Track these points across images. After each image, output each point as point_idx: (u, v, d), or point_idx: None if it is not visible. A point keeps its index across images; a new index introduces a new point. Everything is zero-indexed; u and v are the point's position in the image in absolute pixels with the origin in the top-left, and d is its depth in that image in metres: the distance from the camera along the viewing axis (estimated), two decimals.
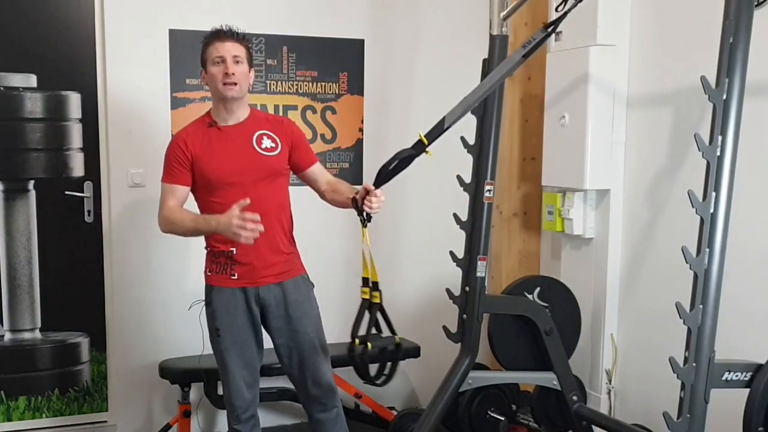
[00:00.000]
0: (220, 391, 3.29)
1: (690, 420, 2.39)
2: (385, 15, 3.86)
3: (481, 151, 3.14)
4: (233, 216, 2.38)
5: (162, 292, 3.59)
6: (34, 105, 3.43)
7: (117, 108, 3.46)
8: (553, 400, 3.26)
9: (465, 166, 3.18)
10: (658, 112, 3.27)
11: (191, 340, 3.27)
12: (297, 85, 3.74)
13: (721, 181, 2.36)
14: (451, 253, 3.20)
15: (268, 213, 2.64)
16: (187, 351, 3.43)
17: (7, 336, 3.52)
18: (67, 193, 3.51)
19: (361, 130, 3.88)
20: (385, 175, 2.49)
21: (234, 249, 2.62)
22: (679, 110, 3.16)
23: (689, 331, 2.39)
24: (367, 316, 2.56)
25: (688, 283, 2.42)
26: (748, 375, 2.47)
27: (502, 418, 3.35)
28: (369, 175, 3.87)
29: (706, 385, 2.39)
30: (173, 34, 3.49)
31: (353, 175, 3.86)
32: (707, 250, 2.37)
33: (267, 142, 2.68)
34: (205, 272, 2.72)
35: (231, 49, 2.60)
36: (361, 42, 3.83)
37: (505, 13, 3.14)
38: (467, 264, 3.15)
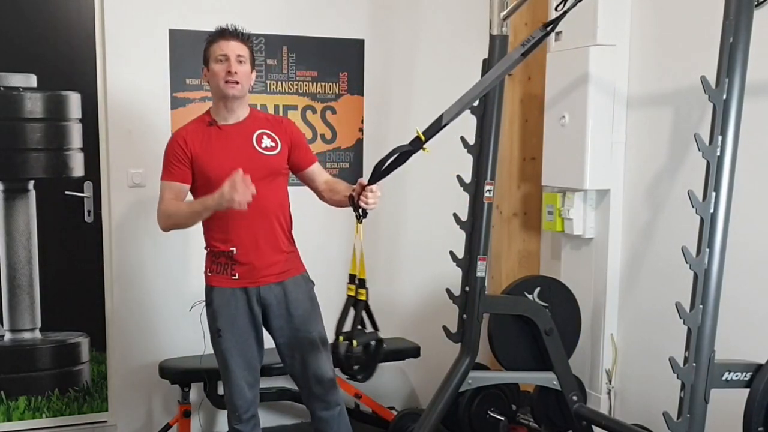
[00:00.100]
0: (221, 391, 3.30)
1: (690, 420, 2.39)
2: (385, 15, 3.86)
3: (481, 151, 3.14)
4: (225, 183, 2.37)
5: (162, 292, 3.59)
6: (34, 105, 3.43)
7: (117, 108, 3.46)
8: (553, 400, 3.26)
9: (465, 166, 3.18)
10: (658, 112, 3.27)
11: (191, 340, 3.27)
12: (297, 85, 3.74)
13: (721, 181, 2.36)
14: (451, 253, 3.20)
15: (267, 212, 2.65)
16: (187, 351, 3.44)
17: (7, 336, 3.52)
18: (67, 193, 3.51)
19: (361, 130, 3.88)
20: (381, 172, 2.49)
21: (234, 249, 2.62)
22: (679, 110, 3.16)
23: (689, 331, 2.39)
24: (352, 313, 2.54)
25: (688, 283, 2.42)
26: (748, 375, 2.47)
27: (502, 418, 3.36)
28: (369, 175, 3.87)
29: (706, 385, 2.39)
30: (173, 34, 3.49)
31: (353, 175, 3.85)
32: (707, 250, 2.37)
33: (267, 142, 2.68)
34: (206, 272, 2.72)
35: (235, 49, 2.60)
36: (361, 42, 3.83)
37: (505, 13, 3.14)
38: (467, 264, 3.15)
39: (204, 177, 2.61)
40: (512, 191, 4.10)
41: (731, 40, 2.36)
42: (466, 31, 3.90)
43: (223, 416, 3.57)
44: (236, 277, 2.65)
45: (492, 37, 3.17)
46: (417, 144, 2.51)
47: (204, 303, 2.73)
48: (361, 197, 2.47)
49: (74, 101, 3.48)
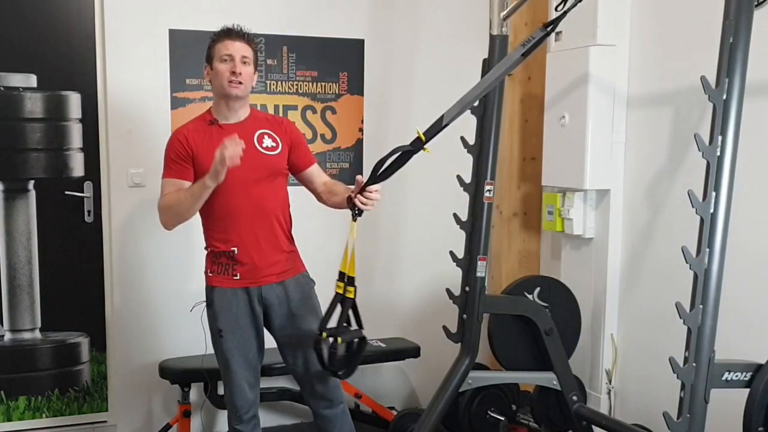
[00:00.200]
0: (221, 391, 3.30)
1: (690, 420, 2.39)
2: (385, 15, 3.86)
3: (481, 151, 3.14)
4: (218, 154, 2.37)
5: (162, 292, 3.59)
6: (34, 105, 3.43)
7: (117, 108, 3.46)
8: (553, 400, 3.26)
9: (465, 166, 3.18)
10: (658, 112, 3.27)
11: (191, 340, 3.27)
12: (297, 85, 3.74)
13: (721, 181, 2.36)
14: (451, 253, 3.20)
15: (268, 212, 2.65)
16: (187, 351, 3.44)
17: (7, 336, 3.52)
18: (67, 193, 3.51)
19: (361, 130, 3.88)
20: (381, 174, 2.49)
21: (235, 249, 2.62)
22: (679, 110, 3.16)
23: (689, 331, 2.39)
24: (338, 310, 2.53)
25: (688, 283, 2.42)
26: (748, 375, 2.47)
27: (502, 418, 3.36)
28: (368, 174, 3.87)
29: (706, 385, 2.39)
30: (173, 34, 3.49)
31: (353, 175, 3.83)
32: (707, 250, 2.37)
33: (268, 142, 2.68)
34: (206, 273, 2.71)
35: (240, 49, 2.60)
36: (361, 42, 3.83)
37: (505, 13, 3.14)
38: (467, 264, 3.15)
39: (205, 176, 2.60)
40: (512, 191, 4.10)
41: (731, 40, 2.36)
42: (466, 31, 3.90)
43: (223, 416, 3.57)
44: (237, 278, 2.65)
45: (492, 37, 3.17)
46: (418, 144, 2.51)
47: (204, 303, 2.73)
48: (358, 196, 2.46)
49: (74, 101, 3.48)
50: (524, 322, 3.19)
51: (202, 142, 2.62)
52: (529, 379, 3.30)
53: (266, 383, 3.12)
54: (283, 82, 3.70)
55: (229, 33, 2.63)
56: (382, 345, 3.71)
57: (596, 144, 3.37)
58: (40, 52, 3.41)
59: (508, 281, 3.77)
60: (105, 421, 3.66)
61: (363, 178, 2.50)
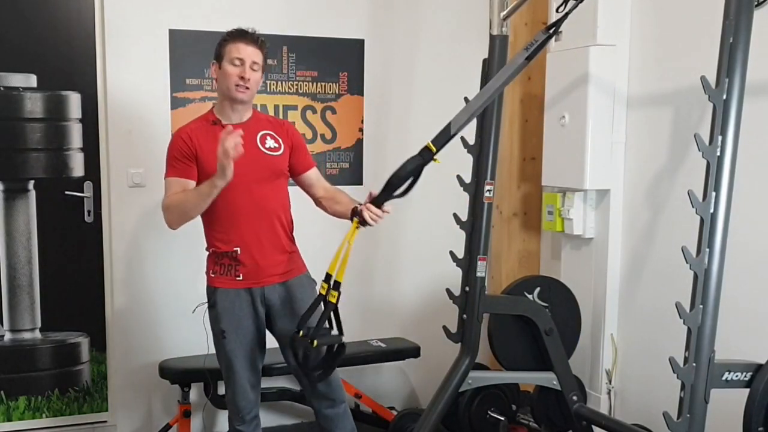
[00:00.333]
0: (221, 392, 3.29)
1: (690, 420, 2.39)
2: (385, 15, 3.86)
3: (481, 151, 3.14)
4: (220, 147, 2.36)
5: (162, 292, 3.59)
6: (34, 105, 3.43)
7: (117, 108, 3.46)
8: (553, 400, 3.26)
9: (465, 166, 3.18)
10: (658, 112, 3.27)
11: (191, 340, 3.26)
12: (297, 85, 3.74)
13: (721, 181, 2.36)
14: (451, 253, 3.20)
15: (270, 212, 2.65)
16: (187, 351, 3.44)
17: (7, 336, 3.52)
18: (67, 193, 3.51)
19: (361, 130, 3.88)
20: (398, 194, 2.48)
21: (238, 249, 2.62)
22: (679, 110, 3.16)
23: (689, 331, 2.39)
24: (319, 313, 2.52)
25: (688, 283, 2.42)
26: (748, 375, 2.47)
27: (502, 418, 3.36)
28: (369, 175, 3.88)
29: (706, 385, 2.39)
30: (173, 34, 3.49)
31: (353, 175, 3.86)
32: (707, 250, 2.37)
33: (270, 142, 2.69)
34: (208, 273, 2.71)
35: (252, 55, 2.59)
36: (361, 42, 3.83)
37: (505, 13, 3.14)
38: (467, 264, 3.15)
39: (208, 176, 2.57)
40: (512, 191, 4.10)
41: (731, 40, 2.36)
42: (466, 31, 3.90)
43: (222, 416, 3.58)
44: (240, 278, 2.65)
45: (492, 37, 3.17)
46: (427, 155, 2.51)
47: (206, 304, 2.73)
48: (368, 212, 2.46)
49: (74, 101, 3.48)
50: (524, 322, 3.19)
51: (205, 141, 2.61)
52: (529, 379, 3.30)
53: (266, 383, 3.12)
54: (283, 82, 3.70)
55: (244, 36, 2.61)
56: (382, 345, 3.71)
57: (596, 144, 3.37)
58: (40, 52, 3.41)
59: (508, 281, 3.77)
60: (105, 421, 3.66)
61: (375, 192, 2.50)
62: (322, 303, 2.49)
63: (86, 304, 3.59)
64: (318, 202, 2.82)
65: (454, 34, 3.97)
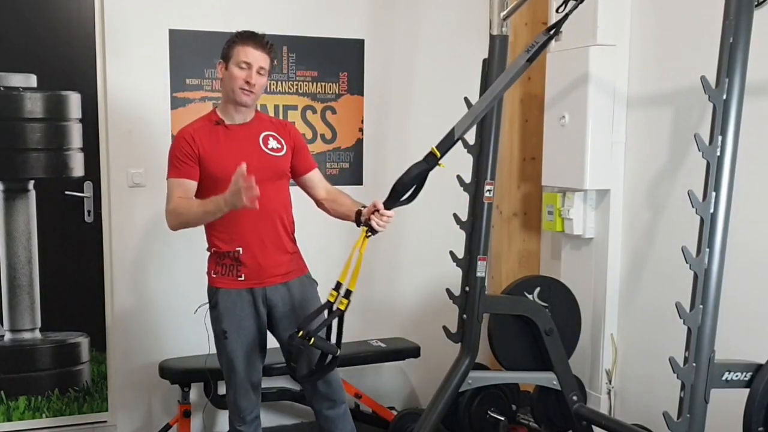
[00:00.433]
0: (221, 391, 3.29)
1: (690, 420, 2.39)
2: (385, 15, 3.86)
3: (481, 151, 3.14)
4: (234, 185, 2.33)
5: (162, 292, 3.59)
6: (34, 105, 3.42)
7: (117, 108, 3.46)
8: (553, 400, 3.26)
9: (465, 166, 3.18)
10: (658, 112, 3.27)
11: (191, 340, 3.27)
12: (297, 85, 3.74)
13: (721, 181, 2.36)
14: (451, 253, 3.20)
15: (272, 213, 2.65)
16: (187, 351, 3.44)
17: (7, 336, 3.52)
18: (67, 193, 3.51)
19: (361, 130, 3.88)
20: (404, 199, 2.50)
21: (240, 249, 2.62)
22: (679, 110, 3.16)
23: (689, 331, 2.39)
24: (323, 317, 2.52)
25: (688, 283, 2.42)
26: (748, 375, 2.47)
27: (502, 418, 3.36)
28: (369, 175, 3.88)
29: (706, 385, 2.39)
30: (173, 34, 3.49)
31: (353, 175, 3.86)
32: (707, 250, 2.37)
33: (273, 143, 2.69)
34: (209, 274, 2.70)
35: (259, 60, 2.59)
36: (361, 42, 3.83)
37: (505, 13, 3.14)
38: (467, 264, 3.15)
39: (211, 176, 2.59)
40: (512, 191, 4.10)
41: (731, 40, 2.36)
42: (466, 31, 3.90)
43: (222, 416, 3.58)
44: (242, 278, 2.64)
45: (492, 37, 3.17)
46: (432, 160, 2.51)
47: (207, 305, 2.73)
48: (375, 217, 2.47)
49: (74, 101, 3.48)
50: (524, 322, 3.19)
51: (208, 141, 2.61)
52: (529, 379, 3.30)
53: (266, 383, 3.12)
54: (283, 82, 3.70)
55: (253, 39, 2.60)
56: (382, 345, 3.71)
57: (596, 144, 3.37)
58: (40, 52, 3.41)
59: (508, 281, 3.77)
60: (105, 421, 3.66)
61: (379, 202, 2.50)
62: (328, 311, 2.48)
63: (86, 304, 3.59)
64: (320, 204, 2.82)
65: (454, 34, 3.97)
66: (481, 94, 3.16)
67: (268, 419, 3.63)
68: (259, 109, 2.82)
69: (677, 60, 3.16)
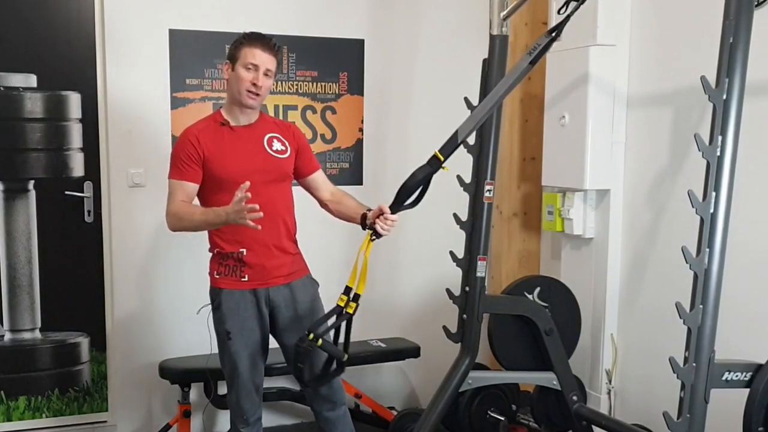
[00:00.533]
0: (221, 391, 3.29)
1: (690, 420, 2.39)
2: (385, 15, 3.86)
3: (481, 151, 3.14)
4: (237, 205, 2.33)
5: (162, 292, 3.59)
6: (34, 105, 3.42)
7: (117, 108, 3.46)
8: (553, 400, 3.26)
9: (465, 166, 3.18)
10: (658, 112, 3.27)
11: (191, 340, 3.27)
12: (297, 85, 3.74)
13: (721, 181, 2.36)
14: (451, 253, 3.20)
15: (276, 214, 2.64)
16: (187, 351, 3.44)
17: (7, 336, 3.52)
18: (67, 193, 3.51)
19: (361, 130, 3.88)
20: (409, 203, 2.51)
21: (244, 250, 2.61)
22: (679, 110, 3.16)
23: (689, 331, 2.39)
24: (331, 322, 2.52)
25: (688, 283, 2.42)
26: (748, 375, 2.47)
27: (502, 418, 3.36)
28: (369, 175, 3.88)
29: (706, 385, 2.39)
30: (173, 34, 3.49)
31: (353, 175, 3.86)
32: (707, 250, 2.37)
33: (277, 145, 2.69)
34: (212, 274, 2.70)
35: (267, 62, 2.59)
36: (361, 42, 3.83)
37: (505, 13, 3.14)
38: (467, 264, 3.15)
39: (215, 177, 2.59)
40: (512, 191, 4.10)
41: (731, 40, 2.36)
42: (466, 31, 3.90)
43: (222, 416, 3.58)
44: (245, 279, 2.64)
45: (492, 37, 3.17)
46: (436, 164, 2.52)
47: (210, 306, 2.72)
48: (379, 222, 2.48)
49: (74, 101, 3.48)
50: (524, 322, 3.18)
51: (213, 143, 2.60)
52: (529, 379, 3.30)
53: (266, 383, 3.10)
54: (283, 82, 3.70)
55: (261, 41, 2.59)
56: (382, 345, 3.71)
57: (596, 144, 3.37)
58: (40, 52, 3.41)
59: (508, 281, 3.77)
60: (105, 421, 3.66)
61: (385, 206, 2.51)
62: (337, 314, 2.48)
63: (86, 304, 3.59)
64: (324, 205, 2.82)
65: (454, 34, 3.97)
66: (481, 94, 3.16)
67: (268, 419, 3.63)
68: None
69: (677, 60, 3.16)
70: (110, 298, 3.58)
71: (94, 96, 3.49)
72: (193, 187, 2.61)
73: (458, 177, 3.18)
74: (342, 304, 2.47)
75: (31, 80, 3.41)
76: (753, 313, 2.83)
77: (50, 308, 3.55)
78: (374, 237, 2.51)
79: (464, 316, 3.15)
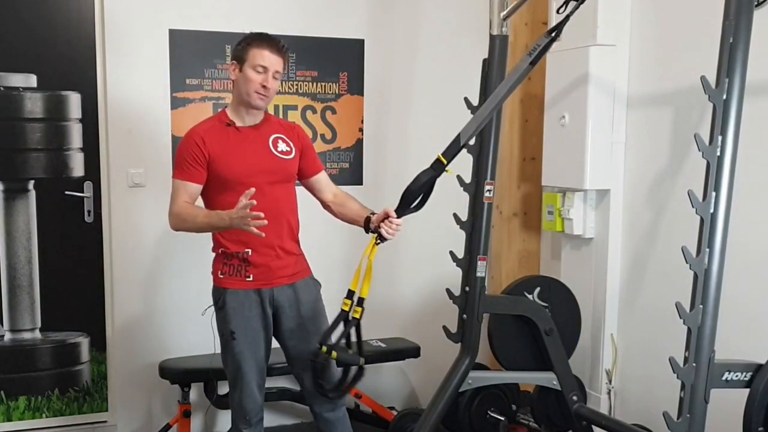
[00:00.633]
0: (221, 392, 3.30)
1: (690, 420, 2.39)
2: (385, 15, 3.86)
3: (481, 151, 3.14)
4: (241, 211, 2.33)
5: (162, 292, 3.59)
6: (34, 105, 3.42)
7: (117, 108, 3.46)
8: (553, 400, 3.26)
9: (465, 166, 3.18)
10: (658, 112, 3.27)
11: (191, 340, 3.27)
12: (297, 85, 3.74)
13: (721, 181, 2.36)
14: (451, 253, 3.20)
15: (281, 215, 2.64)
16: (187, 351, 3.44)
17: (7, 336, 3.52)
18: (67, 193, 3.51)
19: (361, 130, 3.88)
20: (414, 206, 2.52)
21: (249, 250, 2.61)
22: (679, 110, 3.16)
23: (689, 331, 2.39)
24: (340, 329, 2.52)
25: (688, 283, 2.42)
26: (748, 375, 2.47)
27: (502, 418, 3.36)
28: (369, 175, 3.88)
29: (706, 385, 2.39)
30: (173, 34, 3.49)
31: (353, 175, 3.86)
32: (707, 250, 2.37)
33: (282, 146, 2.69)
34: (216, 274, 2.69)
35: (276, 64, 2.58)
36: (361, 42, 3.83)
37: (505, 13, 3.14)
38: (467, 264, 3.15)
39: (220, 178, 2.59)
40: (512, 191, 4.10)
41: (731, 40, 2.36)
42: (466, 31, 3.90)
43: (222, 416, 3.58)
44: (250, 279, 2.63)
45: (492, 37, 3.17)
46: (439, 167, 2.53)
47: (213, 306, 2.72)
48: (384, 225, 2.48)
49: (74, 101, 3.48)
50: (524, 322, 3.18)
51: (218, 143, 2.60)
52: (529, 379, 3.30)
53: (266, 383, 3.12)
54: (283, 82, 3.70)
55: (269, 42, 2.59)
56: (382, 345, 3.71)
57: (596, 144, 3.37)
58: (40, 52, 3.41)
59: (508, 281, 3.77)
60: (105, 421, 3.66)
61: (391, 210, 2.51)
62: (344, 321, 2.48)
63: (86, 304, 3.59)
64: (326, 207, 2.82)
65: (454, 34, 3.97)
66: (481, 94, 3.16)
67: (268, 419, 3.61)
68: None
69: (677, 60, 3.16)
70: (110, 298, 3.58)
71: (94, 96, 3.49)
72: (197, 188, 2.61)
73: (458, 177, 3.18)
74: (347, 309, 2.46)
75: (31, 80, 3.41)
76: (753, 313, 2.83)
77: (50, 308, 3.55)
78: (379, 241, 2.51)
79: (464, 316, 3.15)
